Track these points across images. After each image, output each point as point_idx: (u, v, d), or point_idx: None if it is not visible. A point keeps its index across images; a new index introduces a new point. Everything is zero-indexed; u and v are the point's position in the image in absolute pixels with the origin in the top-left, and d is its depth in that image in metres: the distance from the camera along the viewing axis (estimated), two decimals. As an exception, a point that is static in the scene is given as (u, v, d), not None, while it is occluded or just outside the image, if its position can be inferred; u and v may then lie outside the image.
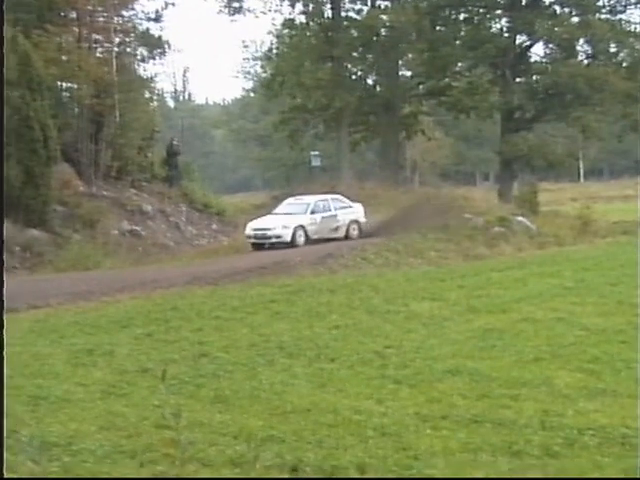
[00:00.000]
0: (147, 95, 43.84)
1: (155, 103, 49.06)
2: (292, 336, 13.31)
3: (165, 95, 72.86)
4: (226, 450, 7.50)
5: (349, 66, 50.14)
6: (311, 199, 31.16)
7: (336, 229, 30.53)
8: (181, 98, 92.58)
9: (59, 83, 34.60)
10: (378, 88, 51.50)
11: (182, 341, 13.15)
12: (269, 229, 29.29)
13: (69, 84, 35.65)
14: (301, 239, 29.32)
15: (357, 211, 31.67)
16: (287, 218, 29.61)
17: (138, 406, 9.16)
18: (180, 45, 66.64)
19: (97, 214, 31.19)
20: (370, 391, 9.90)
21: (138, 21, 41.38)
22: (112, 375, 10.74)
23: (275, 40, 52.63)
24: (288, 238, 28.98)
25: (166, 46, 43.75)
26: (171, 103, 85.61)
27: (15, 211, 26.36)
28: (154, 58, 43.70)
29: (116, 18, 37.23)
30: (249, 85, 78.67)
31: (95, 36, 36.20)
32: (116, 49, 37.52)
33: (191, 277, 21.32)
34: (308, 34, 48.94)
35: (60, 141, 30.00)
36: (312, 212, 30.17)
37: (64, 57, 33.81)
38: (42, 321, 15.36)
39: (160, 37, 43.22)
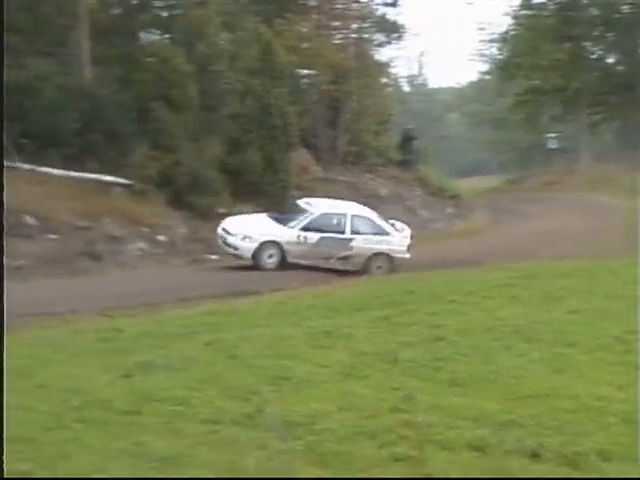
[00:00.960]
0: (383, 80, 44.25)
1: (391, 88, 49.46)
2: (528, 320, 13.15)
3: (400, 79, 73.13)
4: (465, 433, 7.53)
5: (588, 46, 48.89)
6: (318, 209, 22.60)
7: (345, 259, 21.99)
8: (416, 82, 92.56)
9: (298, 70, 35.40)
10: (619, 67, 49.97)
11: (418, 324, 13.22)
12: (230, 235, 21.79)
13: (308, 71, 36.47)
14: (271, 261, 21.45)
15: (394, 241, 22.39)
16: (259, 226, 21.99)
17: (376, 388, 9.31)
18: (416, 29, 66.84)
19: (340, 198, 31.74)
20: (610, 377, 9.69)
21: (375, 7, 41.90)
22: (350, 357, 10.92)
23: (512, 21, 51.95)
24: (248, 254, 21.42)
25: (402, 31, 44.13)
26: (406, 87, 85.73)
27: (256, 196, 27.28)
28: (390, 43, 44.11)
29: (354, 4, 37.73)
30: (485, 68, 77.66)
31: (333, 23, 36.81)
32: (354, 35, 38.08)
33: (426, 261, 21.46)
34: (546, 14, 48.03)
35: (299, 127, 30.71)
36: (306, 228, 21.81)
37: (304, 45, 34.57)
38: (283, 303, 15.80)
39: (396, 22, 43.61)
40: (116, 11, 31.84)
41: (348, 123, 36.64)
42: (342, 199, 25.46)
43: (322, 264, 21.69)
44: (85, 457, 6.71)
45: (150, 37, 31.92)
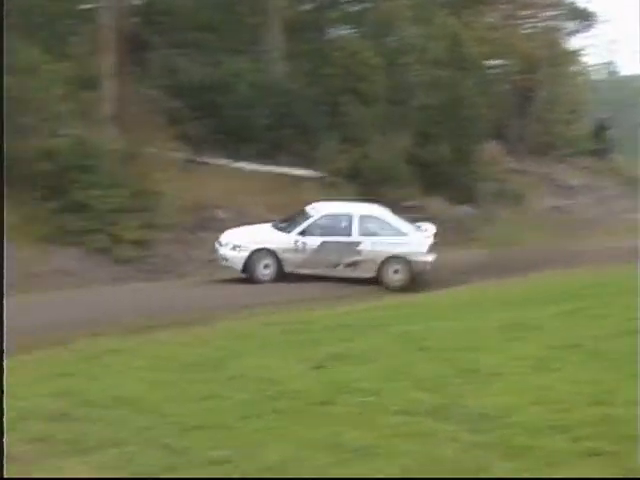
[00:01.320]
0: (574, 69, 43.36)
1: (582, 76, 48.38)
2: None
3: (592, 68, 71.37)
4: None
5: None
6: (319, 213, 19.93)
7: (353, 265, 19.22)
8: (608, 70, 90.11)
9: (487, 61, 35.13)
10: None
11: (611, 317, 12.88)
12: (221, 246, 19.55)
13: (497, 61, 36.14)
14: (267, 272, 18.96)
15: (412, 241, 19.49)
16: (252, 234, 19.64)
17: (569, 381, 9.12)
18: (607, 16, 64.14)
19: (523, 189, 31.38)
20: None
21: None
22: (541, 350, 10.73)
23: None
24: (238, 265, 19.02)
25: (593, 18, 43.03)
26: (598, 75, 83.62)
27: (446, 188, 27.25)
28: (581, 31, 43.12)
29: (543, -7, 37.20)
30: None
31: (522, 12, 36.37)
32: (543, 24, 37.49)
33: (618, 252, 20.89)
34: None
35: (489, 118, 30.48)
36: (304, 232, 19.31)
37: (493, 35, 34.28)
38: (468, 296, 15.78)
39: (586, 9, 42.57)
40: (305, 7, 32.38)
41: (538, 113, 36.11)
42: (536, 189, 24.82)
43: (327, 273, 19.14)
44: (281, 446, 6.83)
45: (338, 32, 32.33)
